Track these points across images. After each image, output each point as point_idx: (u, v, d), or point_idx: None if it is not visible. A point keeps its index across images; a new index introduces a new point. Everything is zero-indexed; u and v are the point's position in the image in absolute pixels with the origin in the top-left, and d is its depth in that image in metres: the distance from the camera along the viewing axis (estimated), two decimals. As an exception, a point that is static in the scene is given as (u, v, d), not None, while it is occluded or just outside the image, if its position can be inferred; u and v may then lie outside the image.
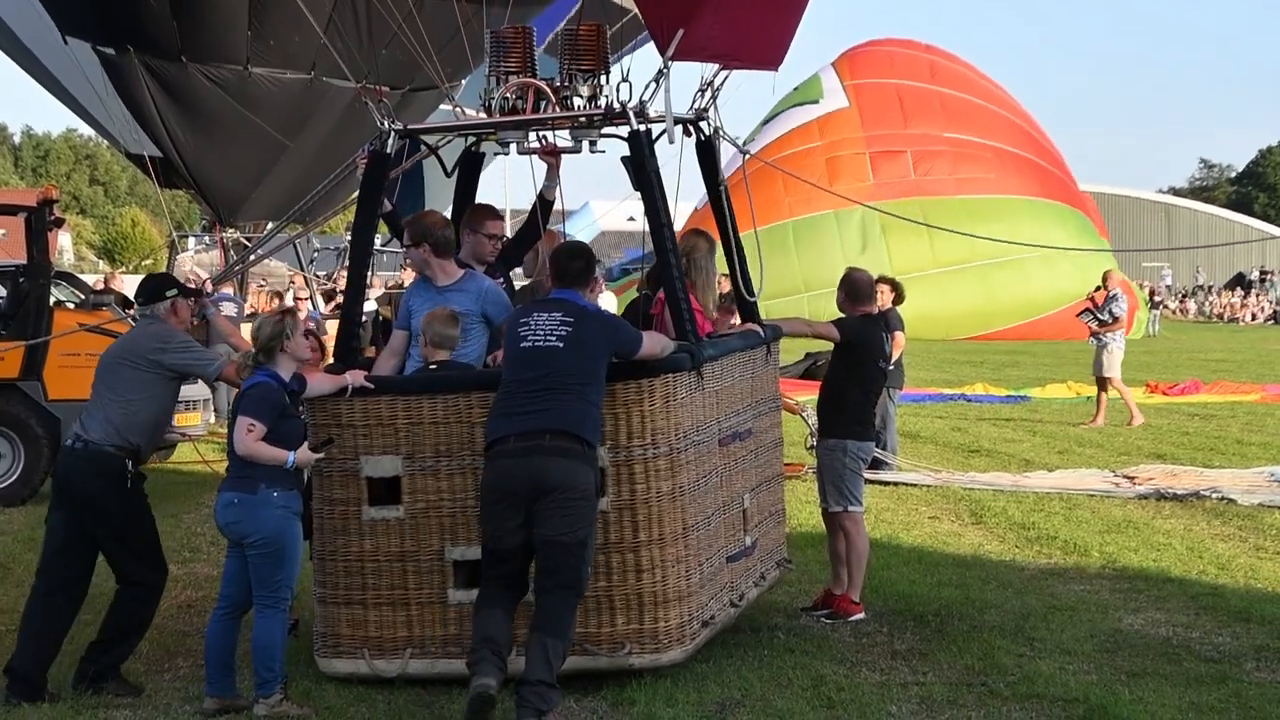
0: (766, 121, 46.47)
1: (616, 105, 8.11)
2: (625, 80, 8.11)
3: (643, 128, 8.03)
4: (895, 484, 14.40)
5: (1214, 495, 13.48)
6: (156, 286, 8.20)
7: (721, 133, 8.70)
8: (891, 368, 14.75)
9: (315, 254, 33.11)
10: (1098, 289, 21.50)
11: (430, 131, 9.01)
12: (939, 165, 44.00)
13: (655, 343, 7.64)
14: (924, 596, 9.59)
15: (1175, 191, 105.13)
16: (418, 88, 23.03)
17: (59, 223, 15.08)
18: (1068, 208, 44.91)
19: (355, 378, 7.78)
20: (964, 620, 9.02)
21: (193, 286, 8.65)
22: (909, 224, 37.97)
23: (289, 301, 23.90)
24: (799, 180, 35.39)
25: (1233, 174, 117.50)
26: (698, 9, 8.15)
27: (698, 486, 7.80)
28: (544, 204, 8.81)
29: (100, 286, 23.69)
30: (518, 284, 9.48)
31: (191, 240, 33.06)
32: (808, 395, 15.05)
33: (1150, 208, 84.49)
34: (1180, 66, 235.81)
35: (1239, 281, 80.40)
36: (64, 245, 64.55)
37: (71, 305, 16.64)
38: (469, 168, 9.31)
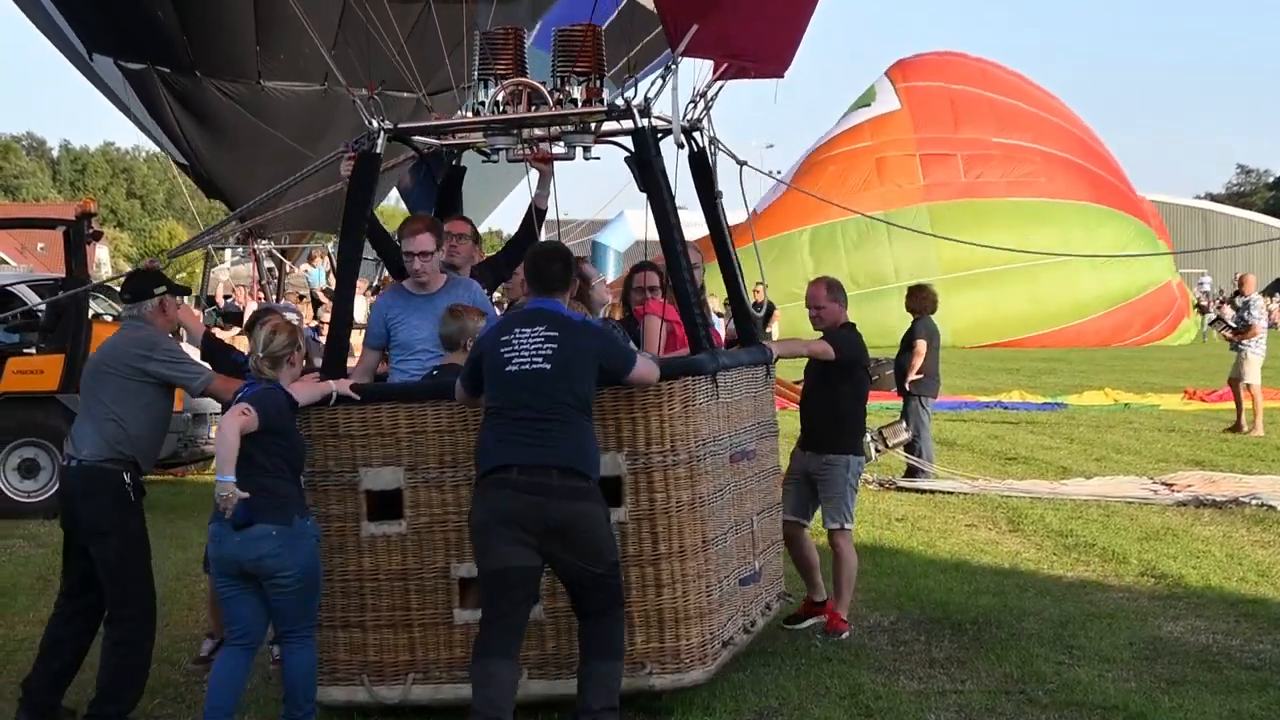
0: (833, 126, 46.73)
1: (620, 102, 7.79)
2: (630, 76, 7.87)
3: (648, 124, 7.66)
4: (932, 492, 14.36)
5: (1253, 502, 13.41)
6: (143, 283, 7.69)
7: (718, 145, 8.33)
8: (922, 376, 14.82)
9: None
10: (1234, 295, 21.29)
11: (420, 131, 8.54)
12: (990, 168, 43.84)
13: (649, 367, 7.09)
14: (962, 604, 9.56)
15: (1212, 197, 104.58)
16: (433, 92, 23.06)
17: (97, 236, 15.15)
18: (1123, 214, 44.67)
19: (340, 385, 7.37)
20: (1002, 628, 8.99)
21: (184, 286, 8.30)
22: (960, 224, 38.14)
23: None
24: (807, 192, 35.34)
25: (1270, 179, 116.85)
26: (714, 6, 7.94)
27: (715, 499, 7.43)
28: (536, 213, 8.61)
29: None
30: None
31: (228, 253, 33.16)
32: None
33: (1187, 213, 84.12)
34: (1218, 72, 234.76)
35: (1277, 287, 79.96)
36: (102, 258, 64.92)
37: (109, 318, 16.72)
38: (449, 183, 9.04)
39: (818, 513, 9.18)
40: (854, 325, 9.25)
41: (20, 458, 14.28)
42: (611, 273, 59.23)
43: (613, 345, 7.04)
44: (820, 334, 9.19)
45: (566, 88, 7.87)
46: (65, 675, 7.54)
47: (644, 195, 7.70)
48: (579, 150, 8.07)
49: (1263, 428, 20.02)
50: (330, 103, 22.19)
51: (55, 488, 14.19)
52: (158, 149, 23.65)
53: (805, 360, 9.33)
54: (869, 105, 45.59)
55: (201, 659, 8.53)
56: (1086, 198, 44.13)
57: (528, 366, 6.70)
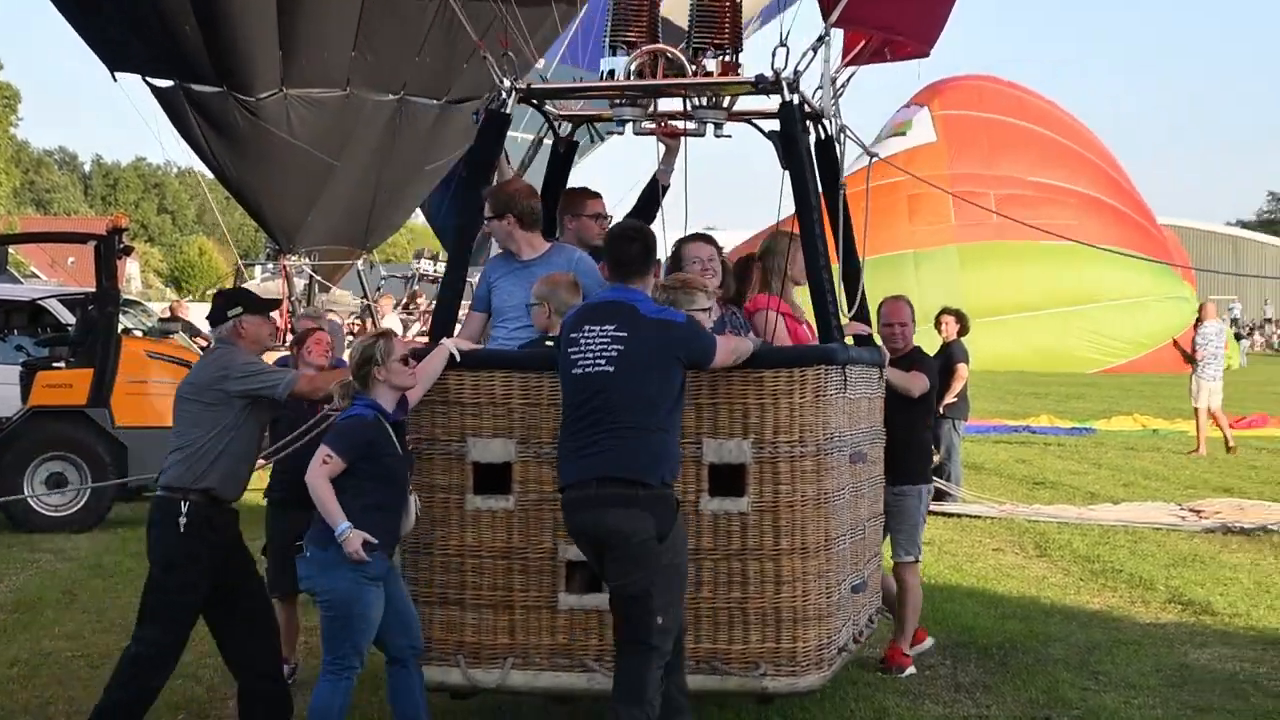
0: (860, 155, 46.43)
1: (769, 74, 7.23)
2: (783, 45, 7.20)
3: (796, 99, 7.19)
4: (959, 515, 14.32)
5: (1282, 529, 13.36)
6: (220, 306, 7.46)
7: (847, 132, 7.80)
8: (956, 399, 14.78)
9: (381, 281, 33.34)
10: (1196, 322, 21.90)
11: (555, 94, 8.08)
12: (1021, 209, 43.57)
13: (729, 345, 6.65)
14: (988, 629, 9.52)
15: (1243, 224, 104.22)
16: (456, 100, 23.11)
17: (127, 251, 15.22)
18: (1149, 259, 44.64)
19: (453, 342, 7.03)
20: (1028, 653, 8.95)
21: (271, 300, 7.91)
22: (988, 265, 38.03)
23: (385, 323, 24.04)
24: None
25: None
26: None
27: (837, 498, 7.05)
28: (657, 188, 8.19)
29: (167, 314, 23.92)
30: None
31: (258, 269, 33.30)
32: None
33: (1218, 240, 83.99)
34: (1249, 99, 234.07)
35: (1307, 314, 79.66)
36: (132, 273, 65.28)
37: (140, 333, 16.80)
38: (558, 157, 8.49)
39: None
40: (920, 347, 9.03)
41: (48, 471, 14.30)
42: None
43: (691, 336, 6.47)
44: (895, 353, 8.73)
45: (702, 59, 7.43)
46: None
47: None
48: (710, 127, 7.68)
49: (1205, 449, 20.79)
50: (352, 108, 22.26)
51: (83, 502, 14.26)
52: (189, 165, 23.75)
53: None
54: (904, 135, 45.25)
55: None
56: (1116, 241, 44.02)
57: (591, 369, 6.35)
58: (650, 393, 6.31)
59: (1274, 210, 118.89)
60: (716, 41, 7.43)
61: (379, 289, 29.92)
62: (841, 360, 7.05)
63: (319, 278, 24.89)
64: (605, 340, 6.35)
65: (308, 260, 24.45)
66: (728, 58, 7.45)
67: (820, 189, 7.47)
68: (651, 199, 8.30)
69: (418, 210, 31.45)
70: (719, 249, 7.82)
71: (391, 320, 26.01)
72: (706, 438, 6.83)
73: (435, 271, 31.59)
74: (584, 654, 6.95)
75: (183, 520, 7.02)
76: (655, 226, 7.72)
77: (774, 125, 7.39)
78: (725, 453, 6.80)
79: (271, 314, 7.65)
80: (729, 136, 7.77)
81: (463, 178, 7.62)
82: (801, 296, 7.99)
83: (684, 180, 8.16)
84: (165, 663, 7.19)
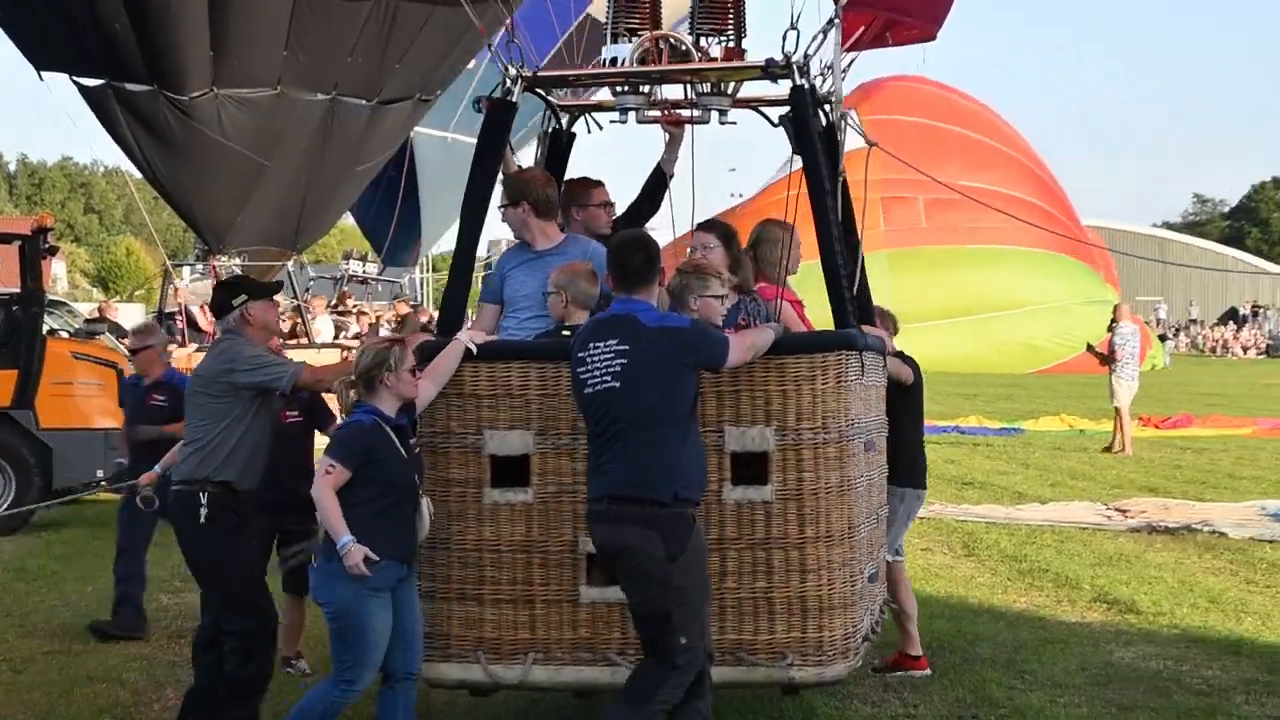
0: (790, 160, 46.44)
1: (779, 57, 7.12)
2: (794, 28, 7.08)
3: (806, 83, 7.10)
4: (887, 516, 14.37)
5: (1205, 529, 13.51)
6: (223, 297, 7.42)
7: (847, 121, 7.63)
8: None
9: (310, 282, 33.15)
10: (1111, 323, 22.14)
11: (561, 83, 7.87)
12: (951, 214, 43.76)
13: (745, 343, 6.54)
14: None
15: (1169, 226, 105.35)
16: (388, 100, 23.03)
17: (53, 251, 15.10)
18: (1071, 260, 45.01)
19: (468, 334, 6.92)
20: (955, 652, 9.01)
21: (273, 283, 7.87)
22: (917, 271, 38.17)
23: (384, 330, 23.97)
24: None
25: (1226, 209, 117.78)
26: None
27: (858, 485, 6.97)
28: (661, 178, 8.10)
29: (94, 315, 23.72)
30: None
31: (187, 270, 33.00)
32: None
33: (1145, 241, 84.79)
34: (1175, 102, 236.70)
35: (1231, 316, 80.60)
36: (58, 273, 64.54)
37: (65, 334, 16.65)
38: (557, 149, 8.29)
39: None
40: (903, 353, 8.78)
41: (-29, 472, 14.16)
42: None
43: (698, 340, 6.36)
44: None
45: (703, 45, 7.33)
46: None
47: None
48: (714, 114, 7.59)
49: (1131, 448, 21.03)
50: (283, 108, 22.12)
51: (8, 504, 14.11)
52: (116, 165, 23.58)
53: None
54: None
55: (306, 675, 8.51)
56: (1042, 243, 44.37)
57: (599, 387, 6.27)
58: (658, 404, 6.20)
59: (1199, 212, 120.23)
60: (720, 26, 7.34)
61: (308, 290, 29.75)
62: (860, 346, 6.99)
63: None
64: (609, 356, 6.27)
65: (237, 261, 24.29)
66: (731, 43, 7.36)
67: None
68: (656, 189, 8.20)
69: (346, 211, 31.30)
70: (726, 234, 7.69)
71: (324, 321, 25.86)
72: (728, 425, 6.73)
73: (364, 272, 31.45)
74: (607, 647, 6.85)
75: (203, 511, 6.98)
76: (662, 215, 7.69)
77: (773, 112, 7.37)
78: (748, 440, 6.71)
79: (275, 298, 7.58)
80: (734, 123, 7.70)
81: (472, 168, 7.36)
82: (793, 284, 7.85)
83: (690, 169, 8.03)
84: (263, 640, 7.11)
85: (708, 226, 7.78)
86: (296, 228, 24.48)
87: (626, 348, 6.24)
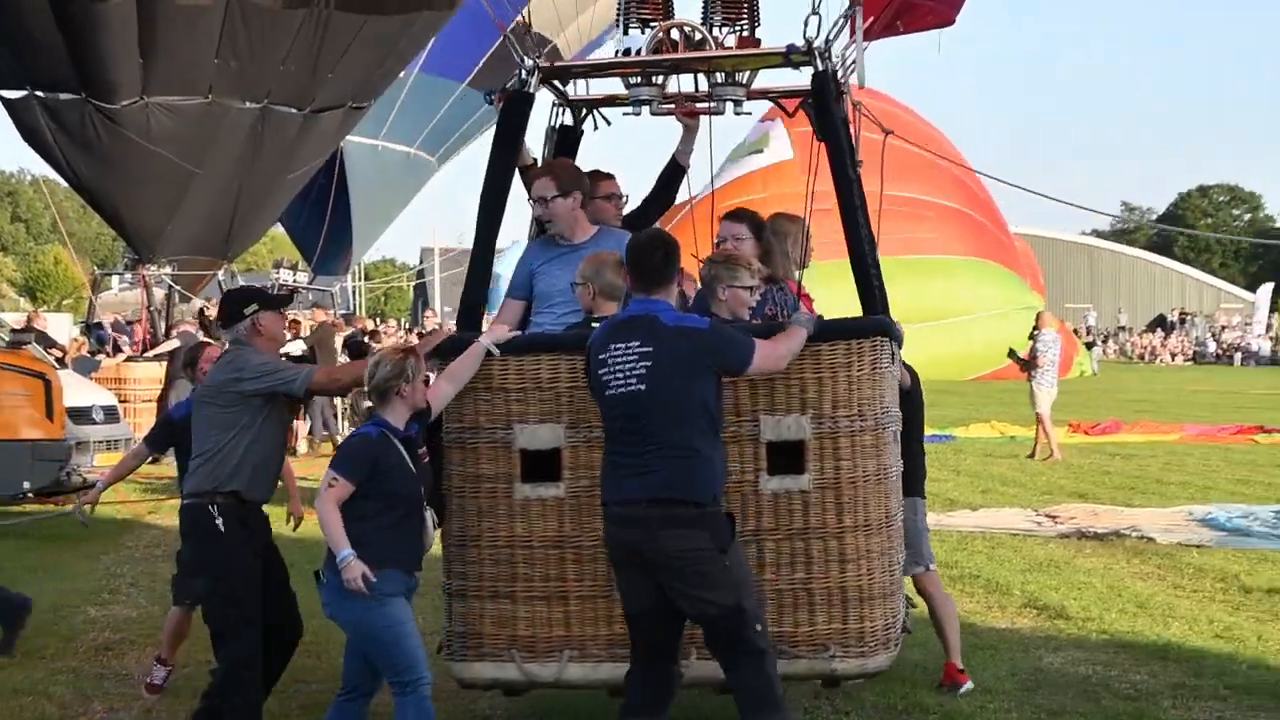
0: (720, 172, 46.35)
1: (801, 43, 7.02)
2: (815, 13, 6.97)
3: (829, 68, 7.04)
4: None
5: (1134, 534, 13.63)
6: (234, 305, 7.25)
7: (861, 110, 7.55)
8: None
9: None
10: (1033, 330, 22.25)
11: (578, 72, 7.72)
12: (881, 224, 43.76)
13: (777, 351, 6.40)
14: (847, 635, 9.58)
15: (1098, 234, 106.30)
16: (319, 109, 22.94)
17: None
18: (1001, 268, 45.31)
19: (491, 335, 6.80)
20: (886, 659, 9.03)
21: (285, 294, 7.71)
22: (850, 281, 38.13)
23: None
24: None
25: (1153, 217, 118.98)
26: None
27: (892, 473, 6.83)
28: (677, 170, 8.01)
29: (22, 325, 23.44)
30: None
31: (115, 279, 32.73)
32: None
33: (1074, 249, 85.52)
34: (1103, 110, 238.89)
35: (1159, 323, 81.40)
36: (-15, 282, 63.92)
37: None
38: (566, 145, 8.14)
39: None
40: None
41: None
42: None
43: (723, 342, 6.27)
44: None
45: (715, 33, 7.22)
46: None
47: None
48: (729, 105, 7.49)
49: (1059, 453, 21.23)
50: (214, 116, 22.00)
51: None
52: (43, 174, 23.37)
53: None
54: (761, 152, 45.00)
55: (153, 686, 8.38)
56: (974, 252, 44.59)
57: (623, 389, 6.19)
58: (684, 405, 6.14)
59: (1127, 220, 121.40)
60: (734, 17, 7.24)
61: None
62: (895, 332, 6.89)
63: (179, 288, 24.56)
64: (633, 358, 6.18)
65: (168, 270, 24.12)
66: (745, 32, 7.25)
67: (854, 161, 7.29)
68: (671, 181, 8.11)
69: (277, 219, 31.13)
70: (757, 225, 7.63)
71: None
72: (764, 415, 6.64)
73: (294, 281, 31.30)
74: None
75: (219, 522, 6.87)
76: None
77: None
78: (784, 429, 6.62)
79: (284, 310, 7.46)
80: (749, 114, 7.61)
81: (489, 161, 7.19)
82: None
83: (709, 160, 7.95)
84: (253, 674, 6.96)
85: (737, 217, 7.74)
86: (227, 236, 24.36)
87: (649, 349, 6.17)
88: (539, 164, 7.76)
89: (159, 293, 24.31)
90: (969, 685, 8.33)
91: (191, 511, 6.99)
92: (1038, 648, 9.38)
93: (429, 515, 6.56)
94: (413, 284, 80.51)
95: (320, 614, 6.65)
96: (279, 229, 40.28)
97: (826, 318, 6.85)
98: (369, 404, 6.52)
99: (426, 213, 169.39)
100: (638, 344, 6.18)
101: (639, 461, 6.13)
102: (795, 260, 7.71)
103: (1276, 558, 12.52)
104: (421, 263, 79.38)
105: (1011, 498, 16.88)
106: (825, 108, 7.06)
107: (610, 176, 7.91)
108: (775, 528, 6.66)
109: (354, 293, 58.36)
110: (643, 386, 6.13)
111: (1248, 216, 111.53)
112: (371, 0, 21.09)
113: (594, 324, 6.75)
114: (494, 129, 7.33)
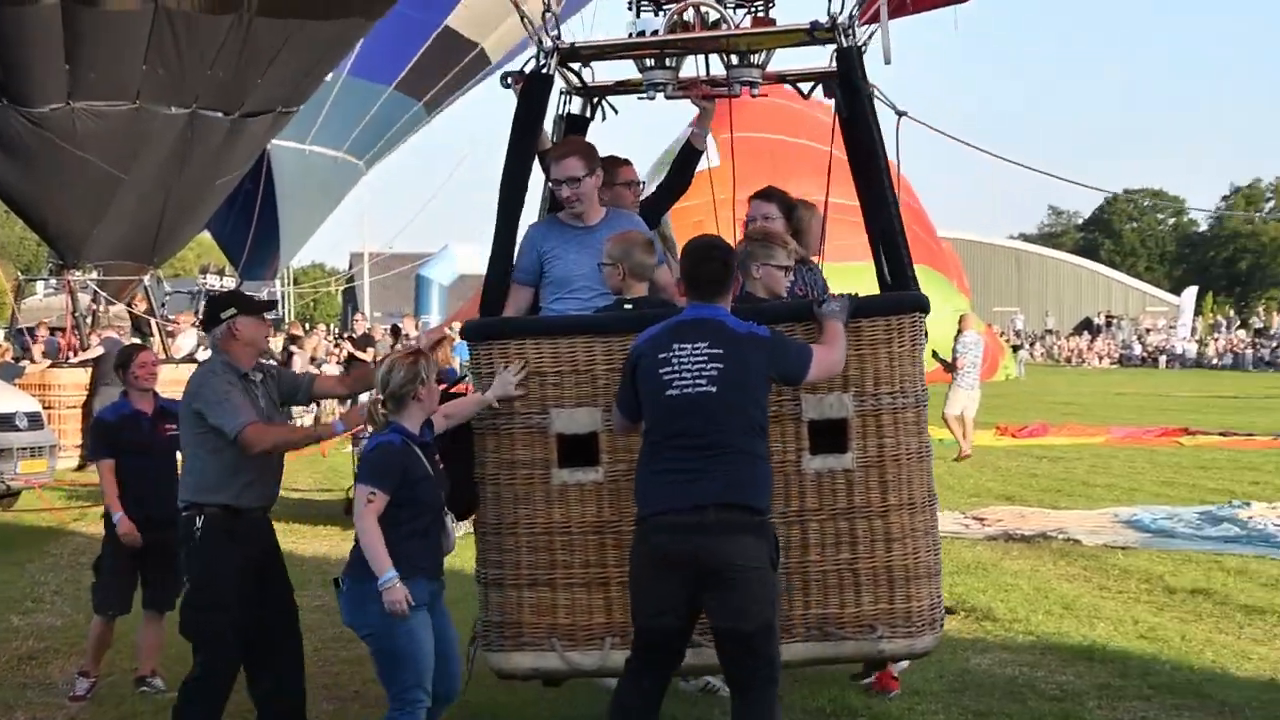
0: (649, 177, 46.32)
1: (824, 19, 6.87)
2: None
3: (854, 44, 6.87)
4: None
5: (1060, 536, 13.72)
6: (213, 309, 7.09)
7: (877, 93, 7.21)
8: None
9: (166, 297, 32.69)
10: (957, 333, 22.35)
11: (600, 53, 7.48)
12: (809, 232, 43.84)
13: (828, 357, 6.28)
14: (776, 639, 9.61)
15: (1025, 237, 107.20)
16: (248, 114, 22.81)
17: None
18: (930, 270, 45.56)
19: (496, 392, 6.57)
20: (815, 662, 9.05)
21: (267, 300, 7.55)
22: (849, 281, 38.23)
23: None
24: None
25: (1079, 221, 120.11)
26: None
27: (932, 451, 6.74)
28: (692, 154, 7.90)
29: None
30: None
31: (40, 284, 32.40)
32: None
33: (1001, 253, 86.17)
34: (1029, 116, 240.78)
35: (1086, 326, 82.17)
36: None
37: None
38: (580, 129, 7.96)
39: None
40: None
41: None
42: (436, 309, 58.22)
43: (788, 350, 6.17)
44: None
45: (730, 17, 7.08)
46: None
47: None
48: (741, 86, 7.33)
49: (969, 448, 21.36)
50: (143, 122, 21.82)
51: None
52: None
53: None
54: None
55: (76, 697, 8.30)
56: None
57: (690, 390, 5.97)
58: (752, 411, 6.03)
59: (1054, 224, 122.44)
60: None
61: (163, 305, 29.30)
62: (929, 310, 6.77)
63: (104, 294, 24.33)
64: (702, 359, 6.00)
65: (94, 275, 23.89)
66: (761, 13, 7.12)
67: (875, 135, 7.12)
68: (686, 165, 8.02)
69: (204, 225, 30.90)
70: (787, 204, 7.51)
71: (189, 337, 25.46)
72: (805, 393, 6.50)
73: (221, 287, 31.10)
74: None
75: (199, 533, 6.79)
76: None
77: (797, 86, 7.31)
78: (826, 408, 6.50)
79: (266, 315, 7.32)
80: (765, 95, 7.52)
81: (509, 147, 7.02)
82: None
83: (730, 143, 7.76)
84: (215, 688, 6.87)
85: (767, 196, 7.67)
86: (154, 241, 24.15)
87: (720, 351, 6.01)
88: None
89: (84, 298, 24.08)
90: (897, 691, 8.37)
91: (184, 523, 6.91)
92: (965, 649, 9.43)
93: (449, 520, 6.51)
94: (342, 289, 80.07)
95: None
96: (206, 234, 40.01)
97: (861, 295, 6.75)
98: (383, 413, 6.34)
99: (356, 218, 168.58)
100: (706, 345, 6.02)
101: (703, 466, 5.92)
102: (811, 248, 7.63)
103: (1200, 559, 12.66)
104: (351, 267, 79.00)
105: (939, 500, 16.92)
106: (851, 84, 6.94)
107: (628, 162, 7.77)
108: (819, 508, 6.55)
109: (283, 298, 57.92)
110: (713, 389, 5.96)
111: (1171, 220, 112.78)
112: (297, 5, 20.98)
113: (625, 305, 6.68)
114: (512, 114, 7.12)
